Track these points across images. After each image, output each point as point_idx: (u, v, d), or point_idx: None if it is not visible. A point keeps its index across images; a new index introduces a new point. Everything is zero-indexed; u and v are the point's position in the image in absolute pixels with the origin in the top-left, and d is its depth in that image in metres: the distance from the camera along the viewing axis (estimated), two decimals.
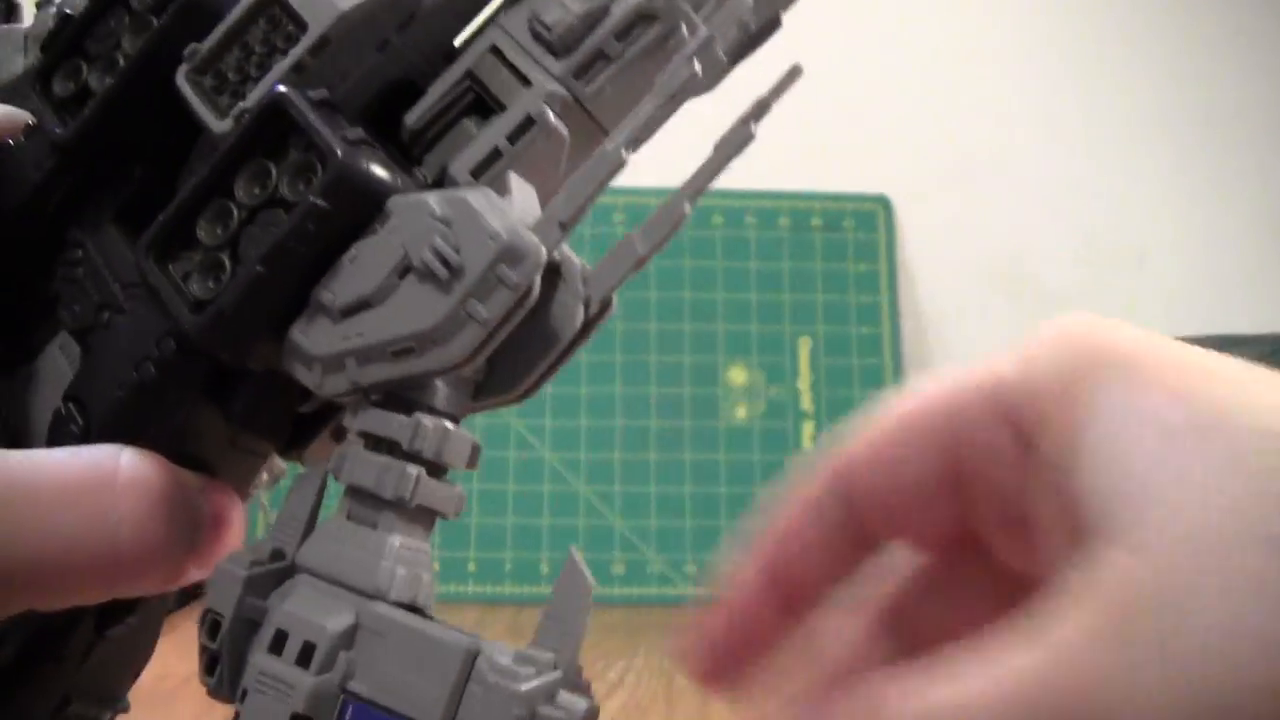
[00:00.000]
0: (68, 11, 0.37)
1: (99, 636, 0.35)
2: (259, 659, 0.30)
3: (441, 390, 0.31)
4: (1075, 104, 1.82)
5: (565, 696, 0.29)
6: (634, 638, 1.12)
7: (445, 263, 0.30)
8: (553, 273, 0.32)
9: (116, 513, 0.30)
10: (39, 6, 0.43)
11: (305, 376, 0.32)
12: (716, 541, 1.52)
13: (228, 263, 0.32)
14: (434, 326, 0.30)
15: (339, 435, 0.36)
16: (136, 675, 0.36)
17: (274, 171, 0.32)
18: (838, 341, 1.64)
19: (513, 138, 0.32)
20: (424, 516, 0.31)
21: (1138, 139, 1.85)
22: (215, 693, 0.31)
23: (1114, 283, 1.83)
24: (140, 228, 0.34)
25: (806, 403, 1.61)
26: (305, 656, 0.30)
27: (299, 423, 0.35)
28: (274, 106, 0.32)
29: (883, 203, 1.69)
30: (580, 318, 0.32)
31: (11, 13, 0.44)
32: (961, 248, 1.76)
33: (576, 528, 1.36)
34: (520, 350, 0.32)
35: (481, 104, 0.34)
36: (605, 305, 0.32)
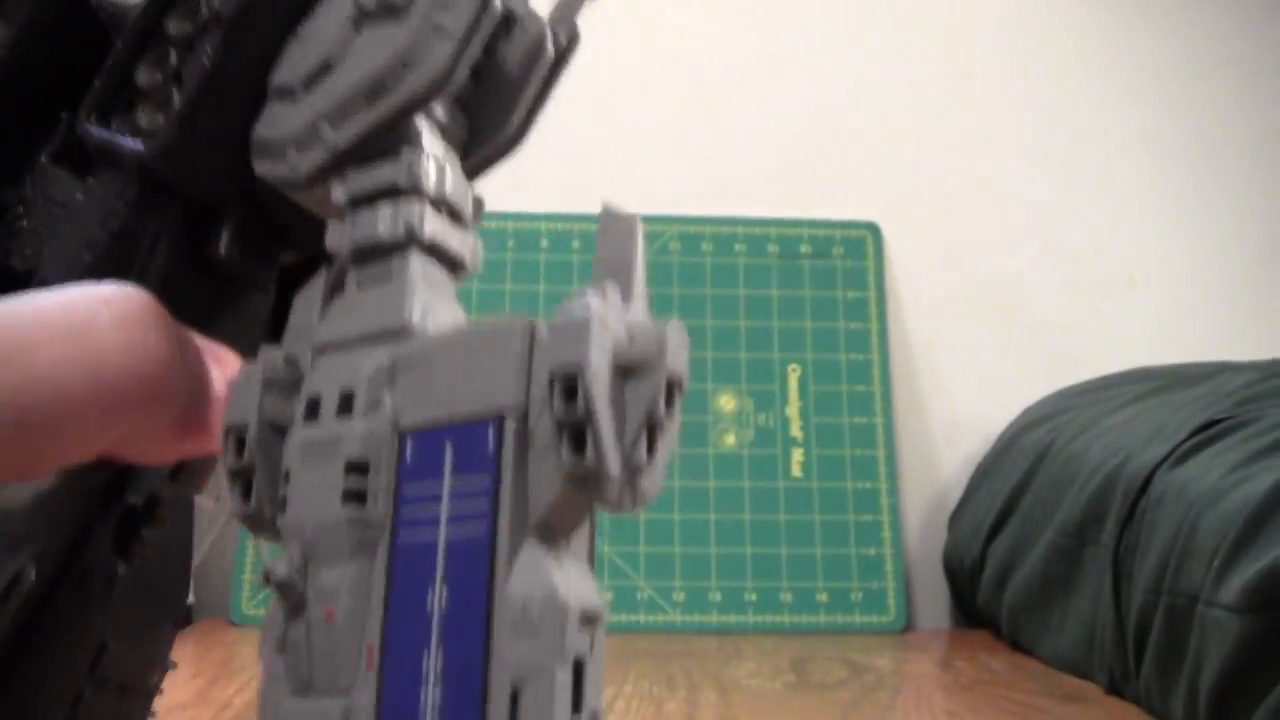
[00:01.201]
0: None
1: (122, 560, 0.31)
2: (296, 435, 0.27)
3: (426, 137, 0.29)
4: (1062, 131, 1.84)
5: (649, 323, 0.25)
6: (624, 664, 1.11)
7: None
8: (508, 20, 0.31)
9: (104, 321, 0.27)
10: None
11: (278, 169, 0.30)
12: (706, 569, 1.49)
13: (175, 92, 0.30)
14: (404, 51, 0.28)
15: None
16: (176, 626, 0.32)
17: (203, 2, 0.31)
18: (827, 368, 1.63)
19: None
20: (443, 261, 0.29)
21: (1125, 166, 1.87)
22: (256, 520, 0.28)
23: (1102, 309, 1.83)
24: (81, 162, 0.32)
25: (796, 429, 1.60)
26: (346, 407, 0.26)
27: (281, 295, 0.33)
28: None
29: (872, 229, 1.69)
30: (550, 50, 0.30)
31: None
32: (950, 274, 1.76)
33: None
34: (495, 93, 0.30)
35: None
36: (573, 37, 0.31)
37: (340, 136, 0.29)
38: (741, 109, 1.61)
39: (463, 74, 0.29)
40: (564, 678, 0.24)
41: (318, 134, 0.29)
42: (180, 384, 0.28)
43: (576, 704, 0.24)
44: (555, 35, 0.31)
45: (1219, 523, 1.06)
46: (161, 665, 0.31)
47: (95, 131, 0.30)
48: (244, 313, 0.32)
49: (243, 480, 0.28)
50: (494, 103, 0.30)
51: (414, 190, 0.28)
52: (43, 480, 0.29)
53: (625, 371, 0.25)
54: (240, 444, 0.28)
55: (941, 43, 1.73)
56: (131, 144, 0.29)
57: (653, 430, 0.25)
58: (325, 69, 0.29)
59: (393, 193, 0.28)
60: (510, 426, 0.25)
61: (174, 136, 0.29)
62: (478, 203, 0.30)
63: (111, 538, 0.31)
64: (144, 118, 0.30)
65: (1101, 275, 1.85)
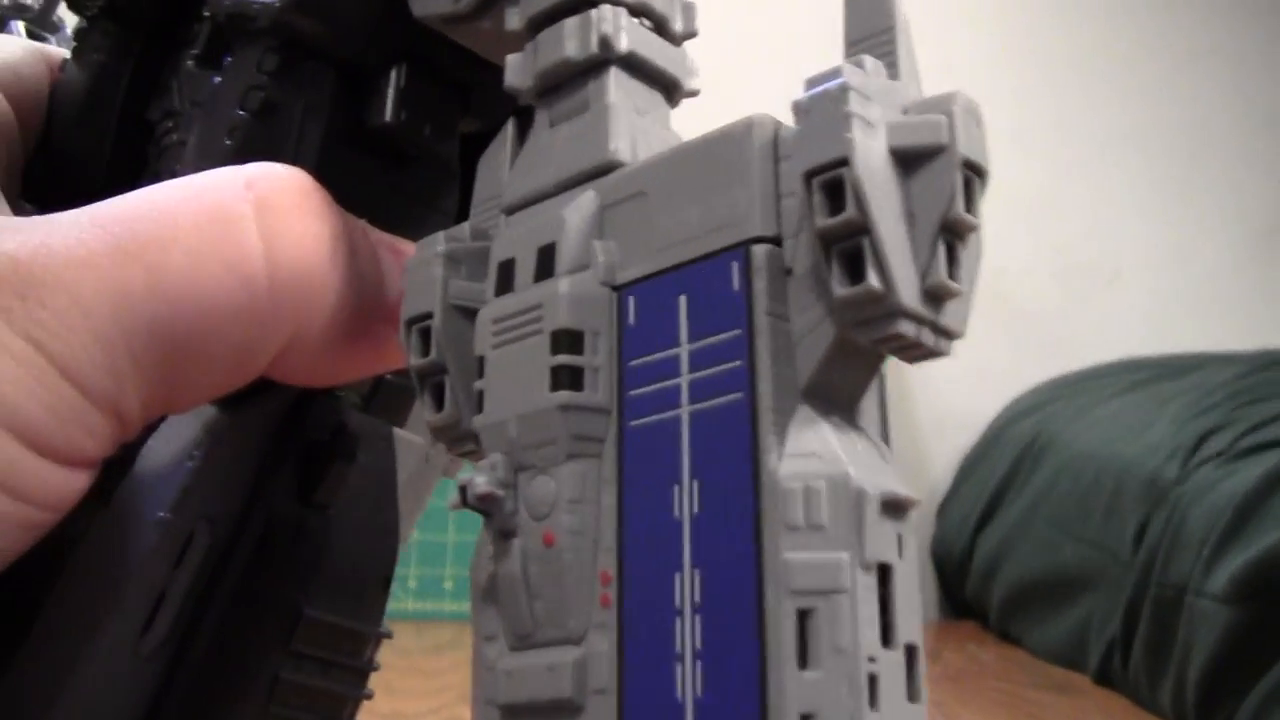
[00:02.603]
0: None
1: (308, 508, 0.25)
2: (488, 310, 0.21)
3: None
4: (1049, 121, 1.84)
5: (928, 99, 0.19)
6: None
7: None
8: None
9: (247, 209, 0.22)
10: None
11: (438, 5, 0.24)
12: None
13: None
14: None
15: None
16: (385, 585, 0.26)
17: None
18: None
19: None
20: (651, 83, 0.23)
21: (1112, 156, 1.88)
22: (453, 433, 0.22)
23: (1089, 299, 1.86)
24: (223, 61, 0.28)
25: None
26: (545, 266, 0.20)
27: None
28: None
29: None
30: None
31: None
32: None
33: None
34: None
35: None
36: None
37: None
38: (726, 101, 1.58)
39: None
40: (865, 591, 0.17)
41: None
42: (347, 281, 0.23)
43: (886, 632, 0.17)
44: None
45: (1208, 515, 1.09)
46: (373, 635, 0.26)
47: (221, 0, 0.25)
48: (422, 196, 0.27)
49: (432, 382, 0.22)
50: None
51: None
52: (203, 419, 0.24)
53: (905, 161, 0.18)
54: (425, 338, 0.22)
55: (927, 34, 1.77)
56: (265, 4, 0.24)
57: (952, 238, 0.18)
58: None
59: (581, 4, 0.22)
60: (760, 256, 0.19)
61: None
62: (687, 7, 0.24)
63: (296, 484, 0.25)
64: None
65: (1089, 266, 1.88)
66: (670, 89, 0.23)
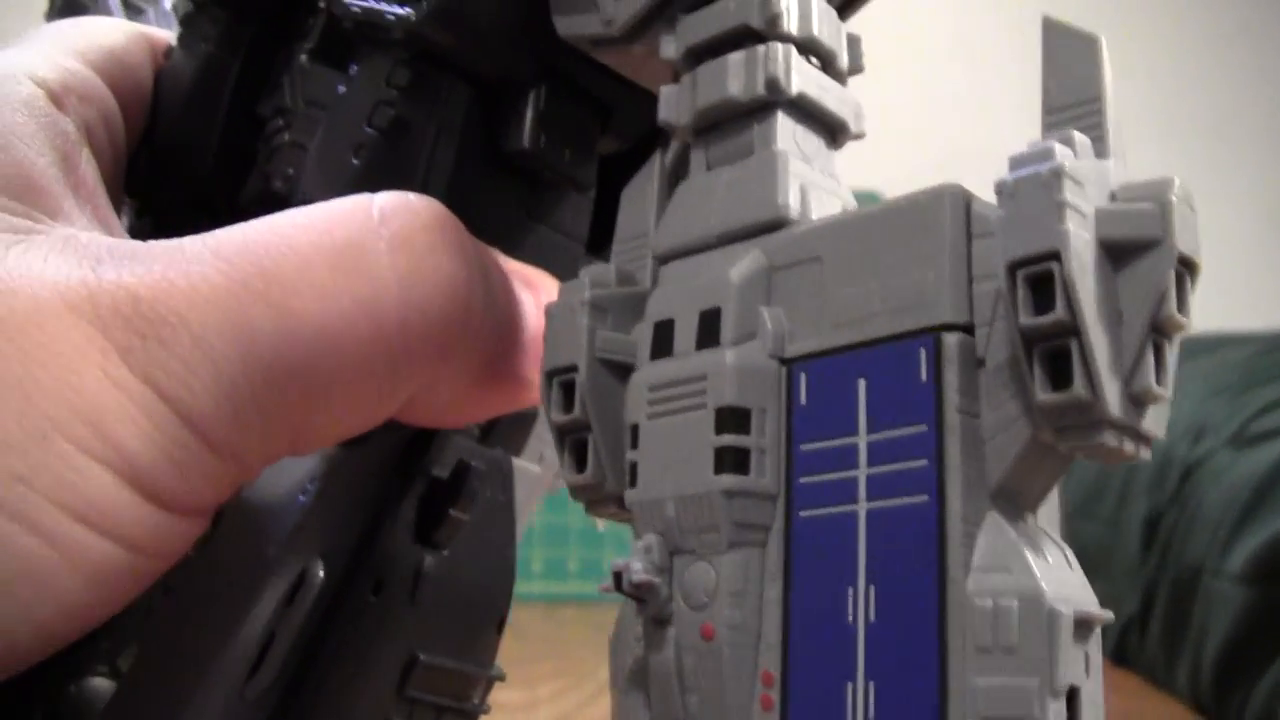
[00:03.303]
0: None
1: (426, 549, 0.24)
2: (643, 374, 0.20)
3: None
4: None
5: (1138, 183, 0.17)
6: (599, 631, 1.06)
7: None
8: None
9: (380, 244, 0.21)
10: None
11: (588, 25, 0.23)
12: None
13: None
14: None
15: None
16: (499, 626, 0.25)
17: None
18: None
19: None
20: (816, 126, 0.21)
21: (1129, 137, 1.86)
22: (594, 491, 0.21)
23: None
24: (342, 60, 0.26)
25: None
26: (708, 332, 0.19)
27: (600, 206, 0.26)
28: None
29: (872, 198, 1.67)
30: None
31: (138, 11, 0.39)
32: None
33: (567, 526, 1.28)
34: None
35: None
36: None
37: None
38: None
39: None
40: (1055, 718, 0.16)
41: None
42: (483, 321, 0.22)
43: None
44: None
45: (1224, 495, 1.08)
46: (485, 678, 0.25)
47: (354, 4, 0.24)
48: (557, 222, 0.26)
49: (574, 440, 0.21)
50: None
51: (773, 31, 0.21)
52: (323, 454, 0.23)
53: (1115, 253, 0.17)
54: (568, 392, 0.21)
55: (943, 11, 1.72)
56: (398, 10, 0.23)
57: (1160, 338, 0.17)
58: None
59: (744, 38, 0.21)
60: (952, 345, 0.17)
61: None
62: (853, 42, 0.22)
63: (413, 522, 0.24)
64: None
65: None
66: (835, 131, 0.22)
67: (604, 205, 0.26)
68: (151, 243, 0.21)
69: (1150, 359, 0.17)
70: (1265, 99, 1.92)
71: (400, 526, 0.24)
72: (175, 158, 0.28)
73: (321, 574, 0.23)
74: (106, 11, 0.37)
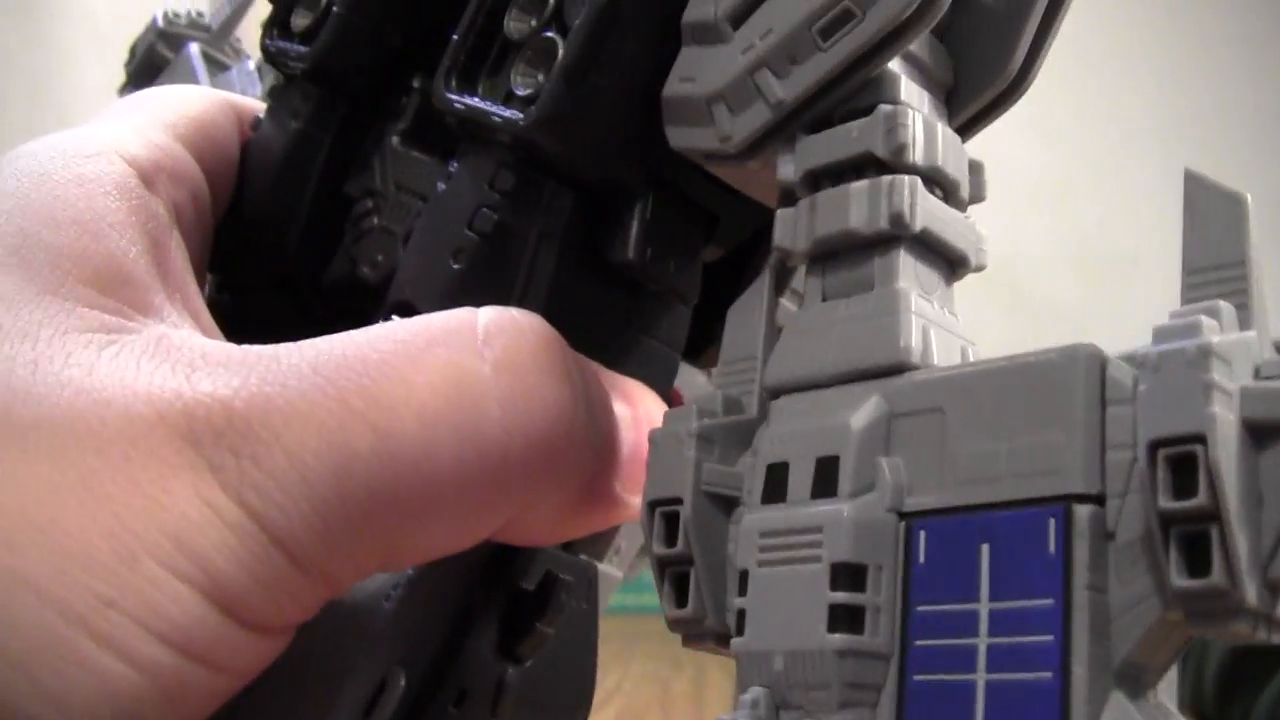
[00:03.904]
0: None
1: (510, 662, 0.24)
2: (754, 519, 0.20)
3: (901, 83, 0.21)
4: (1067, 110, 1.82)
5: (1268, 356, 0.17)
6: (629, 646, 1.10)
7: None
8: None
9: (484, 368, 0.21)
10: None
11: (703, 139, 0.22)
12: None
13: (557, 39, 0.23)
14: None
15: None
16: None
17: None
18: None
19: None
20: (936, 258, 0.21)
21: (1129, 144, 1.88)
22: (694, 628, 0.21)
23: (1106, 288, 1.87)
24: (436, 138, 0.26)
25: None
26: (825, 481, 0.19)
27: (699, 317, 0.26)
28: None
29: None
30: None
31: (218, 69, 0.39)
32: None
33: None
34: (987, 20, 0.22)
35: None
36: None
37: (788, 89, 0.21)
38: None
39: None
40: None
41: (755, 87, 0.22)
42: (584, 444, 0.22)
43: None
44: None
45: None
46: None
47: (457, 100, 0.24)
48: (658, 332, 0.25)
49: (675, 572, 0.21)
50: (985, 32, 0.22)
51: (897, 162, 0.20)
52: None
53: (1258, 433, 0.16)
54: (671, 524, 0.21)
55: None
56: (505, 113, 0.23)
57: None
58: None
59: (867, 166, 0.21)
60: (1083, 519, 0.17)
61: (560, 100, 0.22)
62: (975, 169, 0.22)
63: (497, 634, 0.24)
64: (518, 78, 0.24)
65: (1106, 254, 1.89)
66: (955, 265, 0.21)
67: (701, 309, 0.26)
68: (246, 349, 0.21)
69: None
70: (1263, 107, 1.93)
71: (484, 637, 0.24)
72: (259, 233, 0.28)
73: (403, 683, 0.23)
74: (188, 66, 0.37)
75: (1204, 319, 0.17)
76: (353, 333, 0.21)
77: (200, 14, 0.40)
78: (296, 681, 0.23)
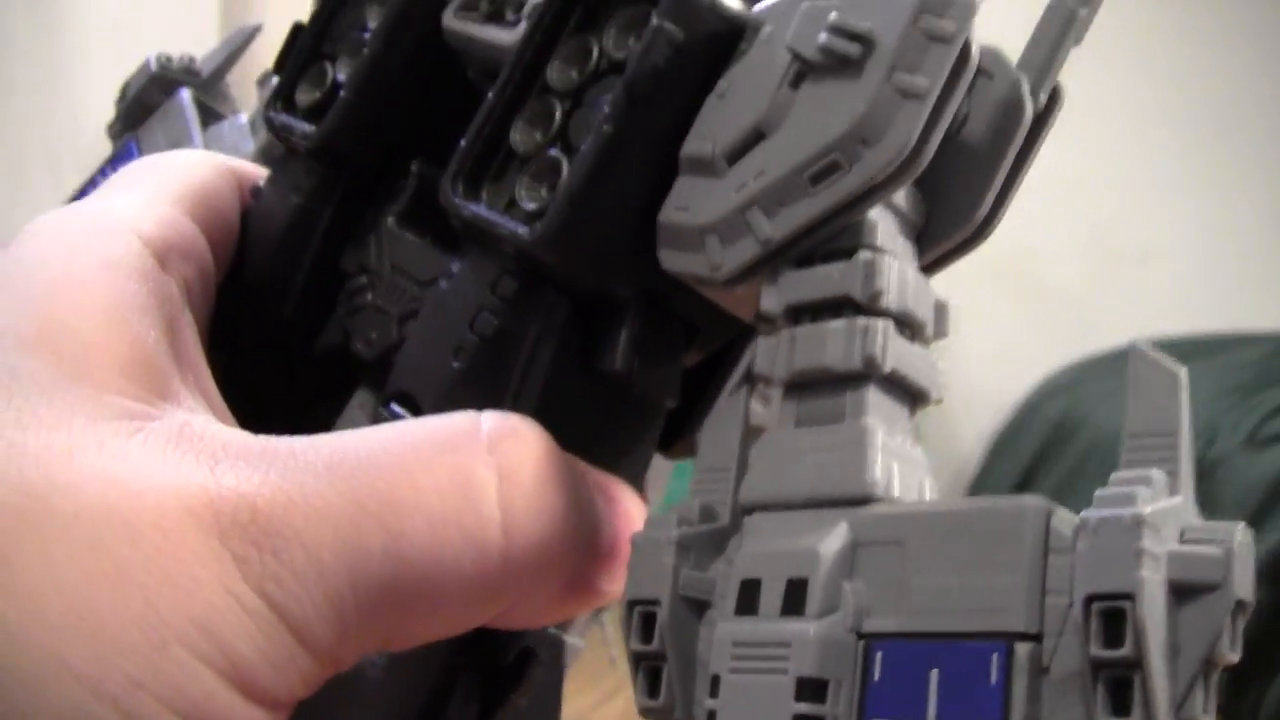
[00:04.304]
0: (296, 22, 0.33)
1: None
2: (726, 628, 0.22)
3: (880, 228, 0.24)
4: (1080, 102, 1.82)
5: (1206, 525, 0.20)
6: None
7: (853, 37, 0.23)
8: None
9: (489, 476, 0.23)
10: (260, 84, 0.40)
11: (694, 264, 0.24)
12: None
13: (561, 158, 0.25)
14: (859, 120, 0.23)
15: None
16: None
17: (594, 44, 0.26)
18: None
19: None
20: (902, 395, 0.23)
21: (1143, 136, 1.90)
22: (661, 717, 0.23)
23: (1119, 280, 1.91)
24: (431, 224, 0.28)
25: None
26: (794, 600, 0.21)
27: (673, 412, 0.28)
28: None
29: None
30: (1026, 109, 0.25)
31: (215, 117, 0.41)
32: None
33: None
34: (961, 168, 0.25)
35: None
36: (1054, 94, 0.25)
37: (777, 228, 0.24)
38: None
39: (932, 151, 0.23)
40: None
41: (746, 223, 0.24)
42: (574, 543, 0.24)
43: None
44: (1034, 92, 0.25)
45: (1237, 495, 1.12)
46: None
47: (464, 207, 0.26)
48: (637, 431, 0.27)
49: (649, 667, 0.23)
50: (957, 182, 0.25)
51: (873, 306, 0.23)
52: None
53: (1179, 592, 0.19)
54: (648, 623, 0.23)
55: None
56: (510, 225, 0.25)
57: (1210, 669, 0.19)
58: (756, 137, 0.24)
59: (845, 306, 0.23)
60: (1023, 656, 0.20)
61: (564, 220, 0.24)
62: (940, 310, 0.24)
63: (477, 704, 0.26)
64: (523, 191, 0.26)
65: (1119, 246, 1.91)
66: (918, 399, 0.24)
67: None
68: (264, 442, 0.23)
69: (1200, 691, 0.19)
70: (1272, 100, 1.96)
71: (463, 707, 0.26)
72: (256, 300, 0.30)
73: None
74: (180, 114, 0.39)
75: (1140, 490, 0.19)
76: (366, 432, 0.23)
77: (193, 59, 0.41)
78: None
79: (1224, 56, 1.93)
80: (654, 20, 0.24)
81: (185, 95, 0.40)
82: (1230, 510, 1.10)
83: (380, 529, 0.22)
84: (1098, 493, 0.20)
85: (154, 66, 0.40)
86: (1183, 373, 0.21)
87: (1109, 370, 1.68)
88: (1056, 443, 1.60)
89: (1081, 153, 1.87)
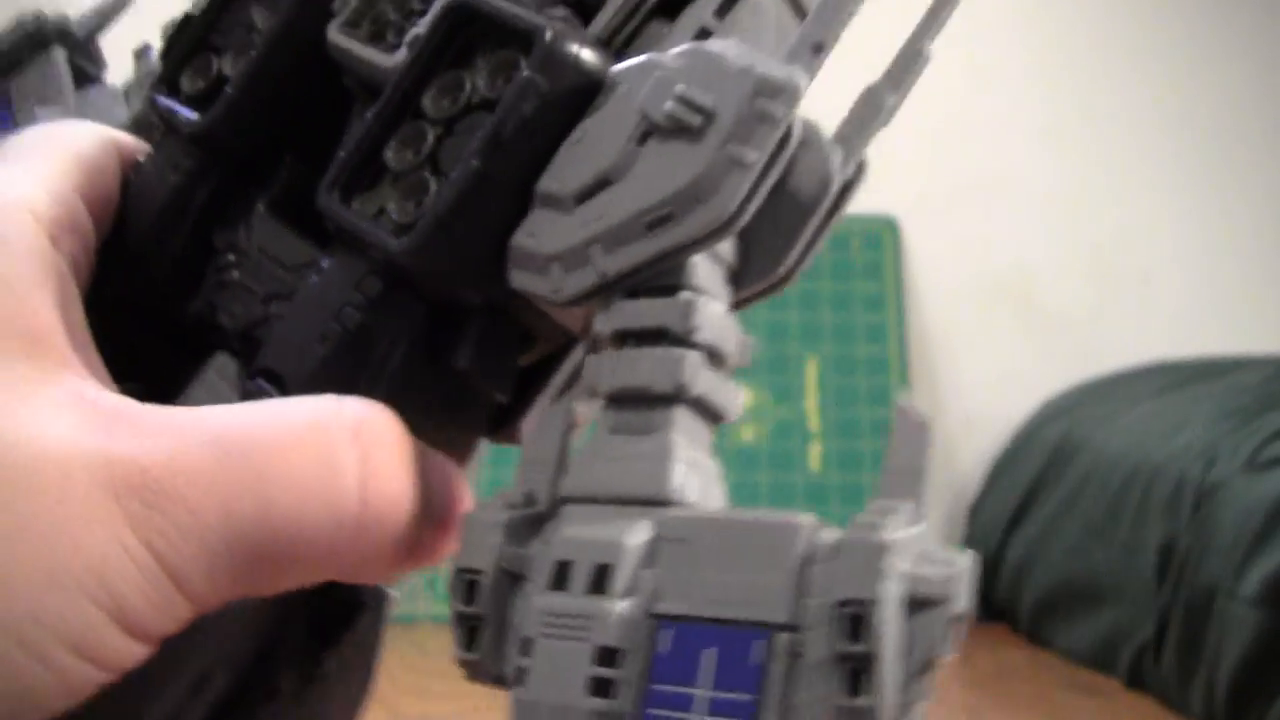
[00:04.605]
0: (187, 12, 0.35)
1: (314, 667, 0.30)
2: (541, 600, 0.26)
3: (701, 270, 0.28)
4: (1080, 123, 1.89)
5: (938, 550, 0.24)
6: None
7: (696, 109, 0.27)
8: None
9: (350, 458, 0.27)
10: (137, 57, 0.42)
11: (538, 285, 0.28)
12: None
13: (430, 180, 0.29)
14: (693, 182, 0.27)
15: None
16: None
17: (467, 80, 0.30)
18: (845, 361, 1.70)
19: (720, 12, 0.30)
20: (705, 414, 0.28)
21: (1143, 157, 1.94)
22: (477, 669, 0.27)
23: (1119, 301, 1.91)
24: (298, 215, 0.31)
25: (814, 423, 1.67)
26: (599, 582, 0.26)
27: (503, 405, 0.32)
28: (458, 7, 0.30)
29: (889, 223, 1.73)
30: (835, 179, 0.29)
31: (86, 79, 0.43)
32: (968, 267, 1.84)
33: None
34: (777, 222, 0.29)
35: (665, 6, 0.32)
36: (858, 168, 0.30)
37: (612, 264, 0.28)
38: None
39: (752, 211, 0.27)
40: None
41: (587, 256, 0.28)
42: (416, 516, 0.28)
43: None
44: (843, 164, 0.29)
45: (1239, 518, 1.12)
46: None
47: (340, 213, 0.29)
48: (472, 420, 0.31)
49: (468, 625, 0.27)
50: (770, 235, 0.29)
51: (687, 339, 0.27)
52: None
53: (912, 604, 0.24)
54: (471, 588, 0.27)
55: (958, 37, 1.84)
56: (380, 236, 0.28)
57: (929, 668, 0.24)
58: (602, 184, 0.28)
59: (663, 336, 0.27)
60: (781, 643, 0.24)
61: (427, 237, 0.28)
62: (742, 344, 0.29)
63: (306, 643, 0.30)
64: (394, 205, 0.29)
65: (1119, 267, 1.92)
66: (717, 418, 0.28)
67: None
68: (153, 410, 0.26)
69: (921, 683, 0.24)
70: (1273, 119, 1.97)
71: (295, 646, 0.30)
72: (129, 266, 0.33)
73: (222, 681, 0.29)
74: (55, 75, 0.41)
75: (888, 518, 0.24)
76: (245, 409, 0.27)
77: (65, 17, 0.43)
78: (144, 670, 0.28)
79: (1226, 77, 1.94)
80: (524, 71, 0.28)
81: (60, 56, 0.42)
82: (1232, 532, 1.11)
83: (254, 497, 0.26)
84: (854, 518, 0.24)
85: (30, 24, 0.42)
86: (931, 423, 0.26)
87: (1109, 393, 1.69)
88: (1056, 465, 1.60)
89: (1082, 173, 1.89)
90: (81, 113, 0.41)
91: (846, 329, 1.68)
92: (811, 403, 1.64)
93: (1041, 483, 1.63)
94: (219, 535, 0.25)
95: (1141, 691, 1.23)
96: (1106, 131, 1.90)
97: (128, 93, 0.42)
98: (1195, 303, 1.91)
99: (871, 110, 0.29)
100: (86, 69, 0.43)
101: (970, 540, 1.76)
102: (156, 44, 0.39)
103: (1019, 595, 1.59)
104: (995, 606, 1.68)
